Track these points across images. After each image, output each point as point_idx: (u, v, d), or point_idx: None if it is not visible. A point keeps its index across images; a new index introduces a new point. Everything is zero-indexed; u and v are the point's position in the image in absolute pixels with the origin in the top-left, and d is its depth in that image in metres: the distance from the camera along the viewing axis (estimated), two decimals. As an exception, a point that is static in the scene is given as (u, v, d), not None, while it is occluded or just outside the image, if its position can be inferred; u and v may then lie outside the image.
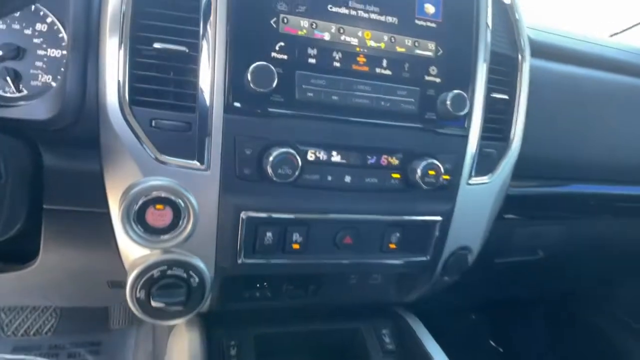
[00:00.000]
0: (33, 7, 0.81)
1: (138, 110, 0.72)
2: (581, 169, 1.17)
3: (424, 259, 0.92)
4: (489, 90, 0.91)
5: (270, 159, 0.73)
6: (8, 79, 0.80)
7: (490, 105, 0.92)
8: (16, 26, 0.81)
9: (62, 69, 0.79)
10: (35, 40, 0.82)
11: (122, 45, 0.70)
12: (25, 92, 0.81)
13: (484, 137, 0.92)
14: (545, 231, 1.27)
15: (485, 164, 0.95)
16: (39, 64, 0.82)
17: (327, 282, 0.98)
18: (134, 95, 0.72)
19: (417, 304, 1.10)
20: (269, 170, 0.73)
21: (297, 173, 0.74)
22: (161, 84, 0.73)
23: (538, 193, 1.17)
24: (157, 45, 0.71)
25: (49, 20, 0.81)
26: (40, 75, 0.82)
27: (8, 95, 0.81)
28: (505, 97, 0.95)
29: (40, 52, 0.82)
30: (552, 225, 1.26)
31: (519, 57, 0.96)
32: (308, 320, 1.02)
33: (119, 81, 0.70)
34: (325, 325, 1.05)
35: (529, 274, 1.45)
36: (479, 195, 0.95)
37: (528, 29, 1.02)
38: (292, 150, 0.74)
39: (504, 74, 0.95)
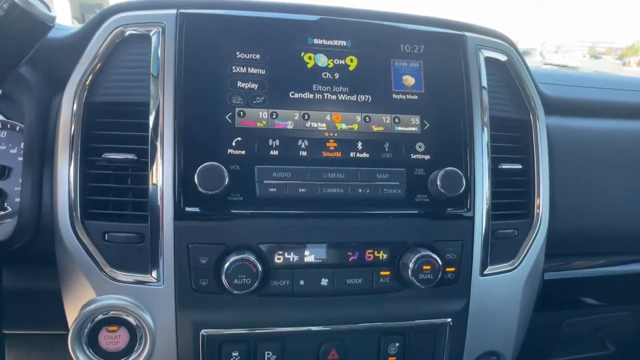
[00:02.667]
0: (18, 127, 0.84)
1: (90, 224, 0.68)
2: (629, 240, 0.95)
3: None
4: (496, 161, 0.78)
5: (225, 266, 0.64)
6: None
7: (501, 177, 0.79)
8: (2, 147, 0.84)
9: None
10: (20, 159, 0.84)
11: (73, 157, 0.68)
12: (9, 209, 0.82)
13: (498, 216, 0.78)
14: (611, 320, 1.02)
15: (505, 247, 0.79)
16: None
17: None
18: (86, 208, 0.68)
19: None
20: (224, 280, 0.64)
21: (257, 281, 0.64)
22: (113, 194, 0.69)
23: (584, 275, 0.95)
24: (106, 155, 0.68)
25: None
26: None
27: None
28: (519, 166, 0.80)
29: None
30: (616, 313, 1.01)
31: (531, 118, 0.83)
32: None
33: (69, 195, 0.68)
34: None
35: None
36: (501, 286, 0.78)
37: (541, 85, 0.89)
38: (250, 257, 0.65)
39: (513, 140, 0.82)
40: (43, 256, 0.73)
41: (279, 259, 0.68)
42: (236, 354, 0.69)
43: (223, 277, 0.64)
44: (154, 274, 0.67)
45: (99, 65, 0.70)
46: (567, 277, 0.93)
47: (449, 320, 0.74)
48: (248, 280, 0.64)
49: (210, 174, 0.63)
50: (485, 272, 0.76)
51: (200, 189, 0.64)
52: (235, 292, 0.64)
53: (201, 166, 0.64)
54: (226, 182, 0.64)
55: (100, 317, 0.67)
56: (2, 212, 0.82)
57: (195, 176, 0.64)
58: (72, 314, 0.70)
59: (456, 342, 0.75)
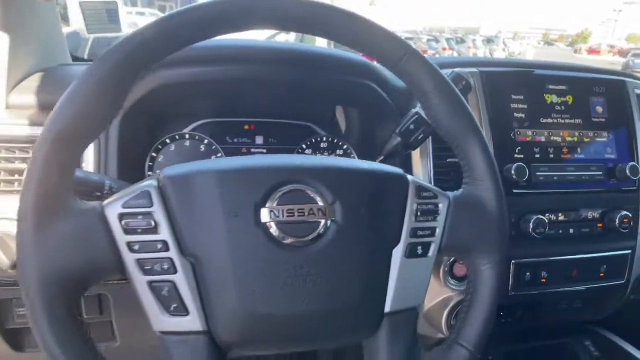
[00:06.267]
0: None
1: None
2: None
3: (622, 281, 1.27)
4: None
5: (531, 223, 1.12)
6: None
7: None
8: None
9: None
10: None
11: None
12: None
13: None
14: None
15: None
16: None
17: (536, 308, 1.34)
18: None
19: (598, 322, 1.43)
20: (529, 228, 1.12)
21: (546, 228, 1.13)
22: None
23: None
24: None
25: None
26: None
27: None
28: None
29: None
30: None
31: None
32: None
33: None
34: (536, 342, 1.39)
35: None
36: None
37: None
38: (541, 216, 1.13)
39: None
40: None
41: (551, 217, 1.18)
42: (528, 274, 1.18)
43: (529, 226, 1.13)
44: None
45: None
46: None
47: (629, 251, 1.26)
48: (542, 229, 1.13)
49: (518, 168, 1.11)
50: None
51: (514, 178, 1.12)
52: (534, 235, 1.13)
53: (514, 164, 1.11)
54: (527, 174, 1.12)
55: None
56: None
57: (512, 169, 1.11)
58: None
59: (632, 264, 1.26)
